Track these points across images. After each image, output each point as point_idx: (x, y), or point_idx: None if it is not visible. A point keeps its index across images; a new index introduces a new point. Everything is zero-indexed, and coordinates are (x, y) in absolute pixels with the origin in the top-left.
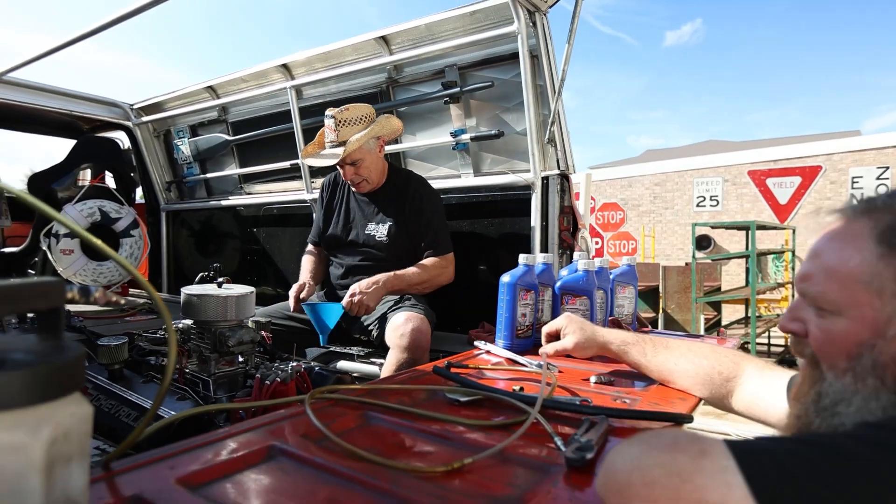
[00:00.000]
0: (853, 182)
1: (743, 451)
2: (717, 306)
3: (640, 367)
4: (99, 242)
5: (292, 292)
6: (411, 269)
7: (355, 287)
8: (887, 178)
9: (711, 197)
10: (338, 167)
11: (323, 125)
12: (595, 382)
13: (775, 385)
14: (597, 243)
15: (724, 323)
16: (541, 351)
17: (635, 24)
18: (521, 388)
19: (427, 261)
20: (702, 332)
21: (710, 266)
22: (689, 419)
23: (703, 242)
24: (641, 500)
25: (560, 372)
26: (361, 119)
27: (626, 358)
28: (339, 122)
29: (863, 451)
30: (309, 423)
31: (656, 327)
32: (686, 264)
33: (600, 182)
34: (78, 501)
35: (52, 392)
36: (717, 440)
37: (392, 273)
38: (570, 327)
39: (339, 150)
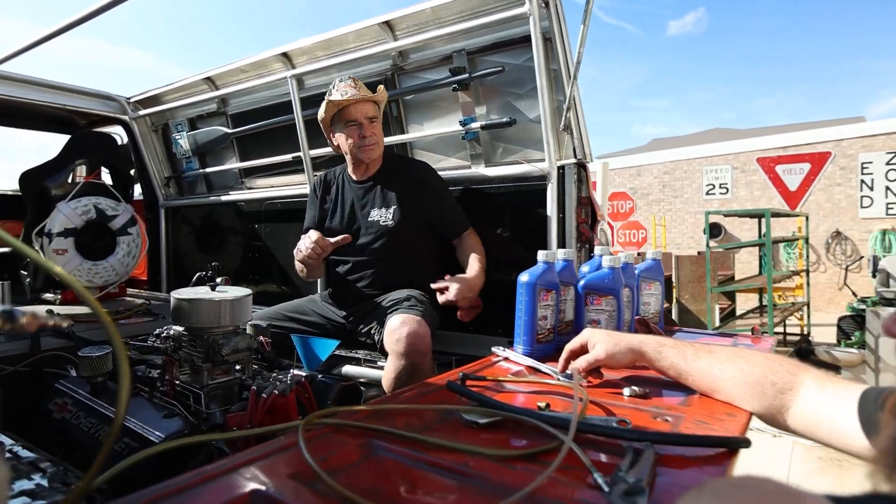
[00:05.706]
0: (863, 168)
1: None
2: (731, 296)
3: (678, 373)
4: (31, 251)
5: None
6: (476, 257)
7: (459, 295)
8: None
9: (721, 185)
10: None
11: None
12: (629, 396)
13: (843, 402)
14: None
15: (738, 313)
16: (572, 366)
17: (638, 14)
18: (548, 405)
19: (470, 240)
20: (717, 323)
21: (723, 255)
22: (747, 444)
23: (713, 231)
24: None
25: (589, 383)
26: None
27: (663, 362)
28: (357, 83)
29: None
30: (301, 460)
31: (670, 317)
32: (699, 253)
33: (609, 171)
34: None
35: None
36: (817, 497)
37: (477, 273)
38: (597, 336)
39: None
